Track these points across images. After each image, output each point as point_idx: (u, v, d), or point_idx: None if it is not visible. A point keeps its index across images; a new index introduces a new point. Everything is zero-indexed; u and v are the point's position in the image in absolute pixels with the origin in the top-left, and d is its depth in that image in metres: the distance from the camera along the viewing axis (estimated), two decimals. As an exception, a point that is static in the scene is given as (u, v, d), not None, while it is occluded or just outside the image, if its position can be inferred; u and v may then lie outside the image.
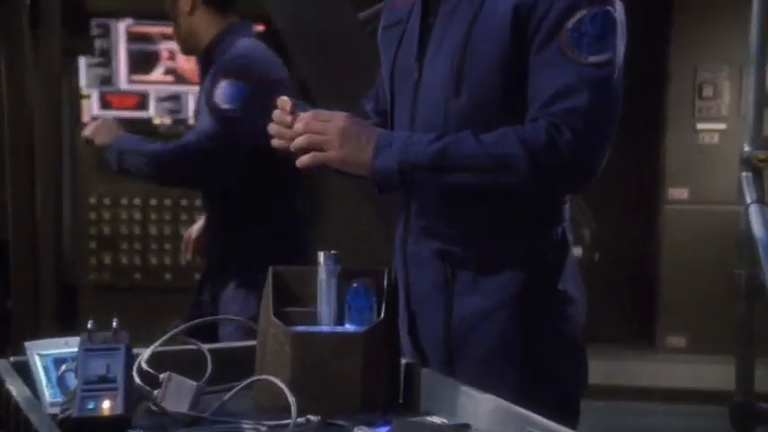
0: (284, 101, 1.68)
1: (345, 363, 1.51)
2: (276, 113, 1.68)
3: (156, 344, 1.66)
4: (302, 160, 1.64)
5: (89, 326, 1.37)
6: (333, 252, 1.59)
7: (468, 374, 1.64)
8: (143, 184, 3.33)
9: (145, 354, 1.62)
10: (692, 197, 5.42)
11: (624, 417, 4.76)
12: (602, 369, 4.66)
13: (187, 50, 2.89)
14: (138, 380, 1.55)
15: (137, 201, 5.18)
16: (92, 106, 5.27)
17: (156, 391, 1.52)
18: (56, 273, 3.12)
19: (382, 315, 1.55)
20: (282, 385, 1.48)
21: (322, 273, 1.59)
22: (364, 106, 1.89)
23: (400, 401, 1.60)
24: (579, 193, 1.64)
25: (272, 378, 1.52)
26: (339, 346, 1.52)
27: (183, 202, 5.13)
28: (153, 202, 5.16)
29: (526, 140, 1.56)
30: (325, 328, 1.56)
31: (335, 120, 1.63)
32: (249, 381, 1.56)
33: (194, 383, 1.51)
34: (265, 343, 1.58)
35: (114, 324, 1.39)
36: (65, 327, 3.20)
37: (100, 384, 1.27)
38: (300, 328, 1.56)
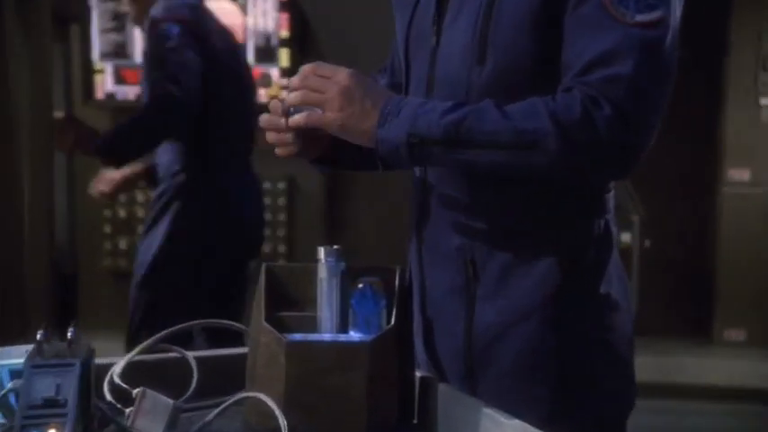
0: (276, 104, 1.52)
1: (349, 377, 1.37)
2: (266, 117, 1.53)
3: (133, 353, 1.52)
4: (294, 119, 1.48)
5: (39, 335, 1.20)
6: (335, 247, 1.43)
7: (492, 392, 1.49)
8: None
9: (118, 365, 1.48)
10: (753, 179, 5.20)
11: (675, 417, 4.57)
12: (651, 364, 4.48)
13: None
14: (109, 396, 1.42)
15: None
16: (106, 81, 5.13)
17: (128, 410, 1.37)
18: (47, 262, 3.01)
19: (392, 321, 1.40)
20: (272, 404, 1.33)
21: (322, 271, 1.43)
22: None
23: (414, 422, 1.46)
24: (621, 178, 1.45)
25: (260, 395, 1.36)
26: (342, 357, 1.38)
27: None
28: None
29: (557, 114, 1.38)
30: (325, 337, 1.42)
31: (338, 76, 1.46)
32: (234, 398, 1.39)
33: (170, 402, 1.35)
34: (256, 353, 1.43)
35: (70, 334, 1.22)
36: (62, 321, 3.08)
37: (46, 410, 1.11)
38: (297, 337, 1.42)
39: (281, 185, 5.14)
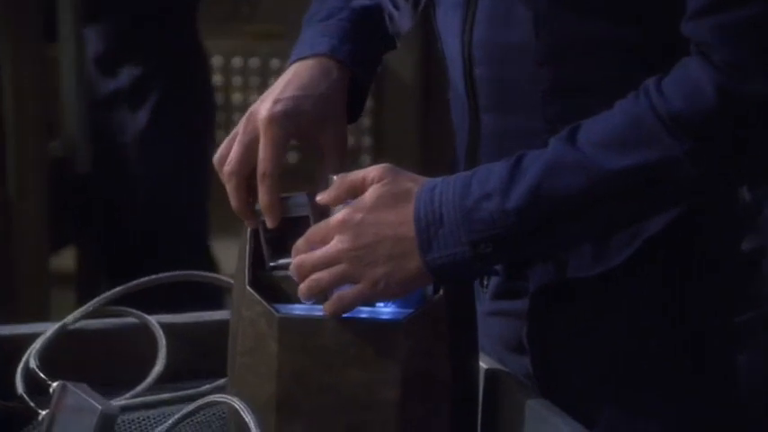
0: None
1: (373, 374, 1.05)
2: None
3: (69, 318, 1.19)
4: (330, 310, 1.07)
5: None
6: None
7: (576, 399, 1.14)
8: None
9: (41, 339, 1.16)
10: None
11: None
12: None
13: None
14: (21, 389, 1.14)
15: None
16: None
17: (42, 413, 1.07)
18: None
19: (442, 289, 1.07)
20: (249, 417, 0.98)
21: (335, 210, 1.08)
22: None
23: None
24: None
25: (234, 401, 1.01)
26: (363, 343, 1.06)
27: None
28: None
29: (677, 116, 0.99)
30: None
31: (334, 229, 1.06)
32: (196, 405, 1.05)
33: (98, 406, 1.02)
34: (237, 333, 1.09)
35: None
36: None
37: None
38: (295, 311, 1.09)
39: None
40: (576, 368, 1.16)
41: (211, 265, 2.97)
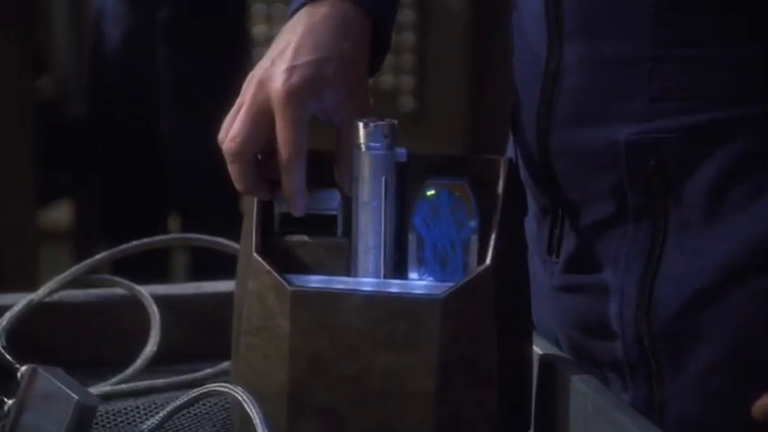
0: None
1: (405, 359, 1.01)
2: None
3: (47, 287, 1.17)
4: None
5: None
6: (386, 122, 1.04)
7: (689, 396, 1.11)
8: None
9: (11, 312, 1.14)
10: None
11: None
12: None
13: None
14: None
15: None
16: None
17: (8, 402, 1.03)
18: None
19: (489, 257, 1.01)
20: (253, 409, 0.96)
21: (362, 164, 1.04)
22: None
23: (529, 434, 1.09)
24: None
25: (237, 391, 0.97)
26: (393, 322, 1.02)
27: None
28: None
29: None
30: (364, 283, 1.05)
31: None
32: (193, 395, 1.01)
33: (73, 396, 0.98)
34: (242, 307, 1.05)
35: None
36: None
37: None
38: (312, 282, 1.05)
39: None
40: (696, 352, 1.11)
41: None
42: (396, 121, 1.04)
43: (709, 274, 1.08)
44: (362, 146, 1.03)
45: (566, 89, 1.11)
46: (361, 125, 1.02)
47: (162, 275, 2.64)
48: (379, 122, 1.02)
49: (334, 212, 1.05)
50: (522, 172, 1.15)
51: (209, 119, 3.04)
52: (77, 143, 2.97)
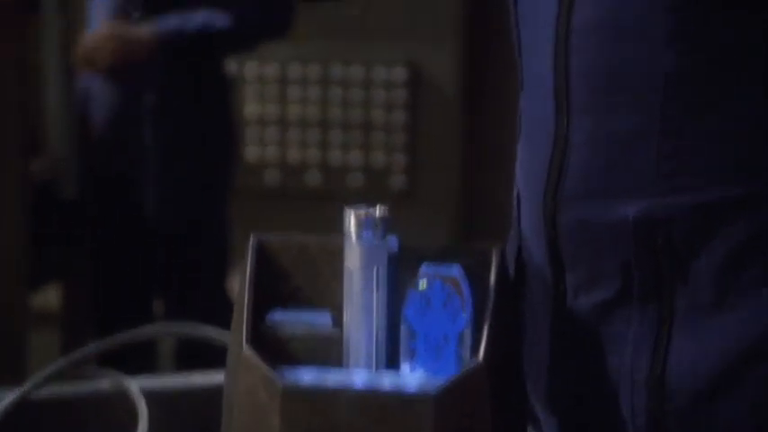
0: None
1: None
2: None
3: (34, 380, 1.15)
4: None
5: None
6: (378, 209, 1.05)
7: None
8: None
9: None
10: None
11: None
12: None
13: None
14: None
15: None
16: None
17: None
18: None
19: (482, 350, 1.02)
20: None
21: (353, 254, 1.05)
22: None
23: None
24: None
25: None
26: (384, 418, 1.01)
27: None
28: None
29: None
30: (356, 378, 1.05)
31: None
32: None
33: None
34: (233, 399, 1.05)
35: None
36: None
37: None
38: (304, 377, 1.04)
39: (400, 74, 4.78)
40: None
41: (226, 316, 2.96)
42: (386, 209, 1.05)
43: (719, 361, 1.09)
44: (352, 232, 1.04)
45: (574, 164, 1.13)
46: (353, 214, 1.04)
47: (151, 355, 2.64)
48: (370, 211, 1.04)
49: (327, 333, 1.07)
50: (527, 250, 1.16)
51: (195, 200, 3.07)
52: (67, 225, 3.00)
